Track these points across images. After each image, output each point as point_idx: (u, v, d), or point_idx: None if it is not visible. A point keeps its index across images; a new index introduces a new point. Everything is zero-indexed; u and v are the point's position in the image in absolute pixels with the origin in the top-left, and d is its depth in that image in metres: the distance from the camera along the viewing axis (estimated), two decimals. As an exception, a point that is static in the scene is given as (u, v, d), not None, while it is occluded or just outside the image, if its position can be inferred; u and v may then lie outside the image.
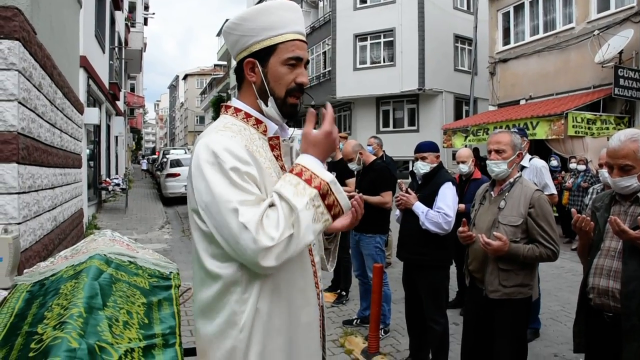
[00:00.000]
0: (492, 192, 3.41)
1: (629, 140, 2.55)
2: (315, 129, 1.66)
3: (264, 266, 1.44)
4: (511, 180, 3.30)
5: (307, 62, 1.75)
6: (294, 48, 1.67)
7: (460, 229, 3.34)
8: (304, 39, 1.73)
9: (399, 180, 4.88)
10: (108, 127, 18.74)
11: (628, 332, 2.48)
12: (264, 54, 1.67)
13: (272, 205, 1.50)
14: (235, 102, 1.76)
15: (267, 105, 1.70)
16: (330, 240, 2.00)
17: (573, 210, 2.85)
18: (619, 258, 2.57)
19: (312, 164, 1.56)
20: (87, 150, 12.29)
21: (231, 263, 1.54)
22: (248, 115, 1.71)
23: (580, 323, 2.82)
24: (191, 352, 2.01)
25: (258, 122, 1.72)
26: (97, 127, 14.66)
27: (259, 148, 1.65)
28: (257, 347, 1.57)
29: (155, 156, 42.93)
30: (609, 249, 2.64)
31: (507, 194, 3.26)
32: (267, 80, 1.68)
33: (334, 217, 1.54)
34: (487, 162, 3.36)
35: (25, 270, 2.86)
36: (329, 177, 1.54)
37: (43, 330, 1.62)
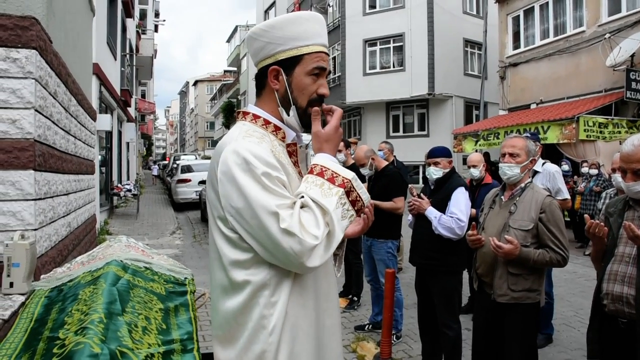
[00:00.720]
0: (502, 197, 3.41)
1: None
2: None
3: (309, 267, 1.48)
4: (522, 185, 3.31)
5: (329, 72, 1.79)
6: (319, 59, 1.70)
7: (470, 232, 3.35)
8: (327, 51, 1.77)
9: (410, 186, 4.88)
10: (119, 133, 18.86)
11: None
12: (290, 63, 1.69)
13: (302, 206, 1.53)
14: (252, 109, 1.78)
15: (288, 115, 1.72)
16: (338, 246, 2.01)
17: (586, 215, 2.84)
18: (633, 264, 2.56)
19: (329, 162, 1.62)
20: (99, 157, 12.38)
21: (260, 268, 1.56)
22: (267, 122, 1.73)
23: (595, 329, 2.81)
24: (209, 357, 2.03)
25: (277, 128, 1.74)
26: (109, 134, 14.76)
27: (280, 154, 1.68)
28: (286, 351, 1.58)
29: (166, 162, 43.17)
30: (623, 255, 2.63)
31: (518, 198, 3.27)
32: (290, 89, 1.70)
33: (357, 212, 1.59)
34: (500, 164, 3.37)
35: (42, 276, 2.90)
36: (350, 174, 1.59)
37: (65, 335, 1.65)
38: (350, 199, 1.56)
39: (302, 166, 1.80)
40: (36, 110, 4.09)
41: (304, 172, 1.79)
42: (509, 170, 3.29)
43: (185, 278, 2.88)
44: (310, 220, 1.49)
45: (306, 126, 1.75)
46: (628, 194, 2.67)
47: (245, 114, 1.78)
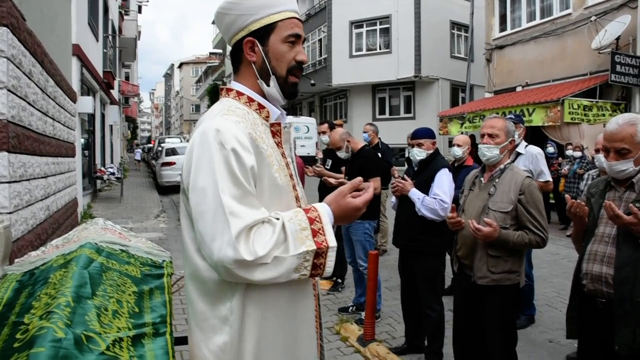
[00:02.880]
0: (482, 178, 3.39)
1: (627, 124, 2.52)
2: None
3: (236, 274, 1.42)
4: (501, 166, 3.28)
5: (304, 40, 1.74)
6: (293, 25, 1.66)
7: (449, 214, 3.33)
8: (299, 17, 1.71)
9: (392, 168, 4.85)
10: (103, 116, 18.63)
11: (620, 318, 2.47)
12: (264, 33, 1.64)
13: (270, 221, 1.48)
14: (236, 85, 1.72)
15: (268, 85, 1.67)
16: None
17: (567, 195, 2.82)
18: (612, 244, 2.56)
19: (327, 219, 1.54)
20: (82, 140, 12.22)
21: None
22: (251, 100, 1.68)
23: (574, 309, 2.81)
24: (182, 341, 1.99)
25: (261, 107, 1.69)
26: (92, 116, 14.57)
27: (261, 134, 1.61)
28: (252, 341, 1.55)
29: (151, 145, 42.85)
30: (603, 235, 2.62)
31: (497, 180, 3.24)
32: (268, 59, 1.65)
33: (312, 276, 1.51)
34: (479, 145, 3.33)
35: (16, 260, 2.83)
36: (332, 242, 1.51)
37: (29, 320, 1.59)
38: (315, 260, 1.49)
39: (286, 147, 1.75)
40: (9, 90, 3.97)
41: (288, 153, 1.75)
42: (487, 151, 3.26)
43: (163, 261, 2.81)
44: (262, 237, 1.44)
45: (288, 96, 1.71)
46: (610, 173, 2.65)
47: (229, 90, 1.72)
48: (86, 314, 1.65)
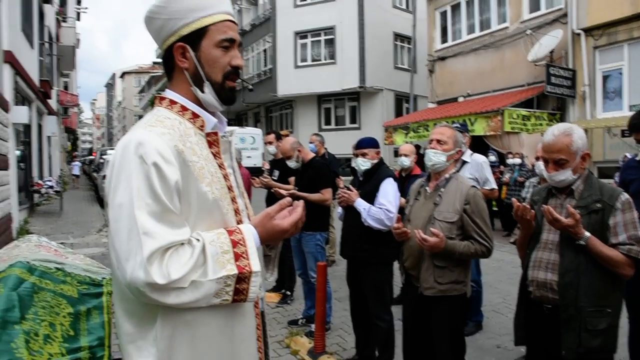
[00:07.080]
0: (427, 188, 3.36)
1: (562, 135, 2.59)
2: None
3: (149, 297, 1.35)
4: (447, 175, 3.28)
5: (240, 44, 1.65)
6: (226, 29, 1.58)
7: (395, 225, 3.30)
8: (233, 19, 1.63)
9: (338, 178, 4.83)
10: (40, 126, 17.92)
11: (566, 322, 2.53)
12: (195, 37, 1.56)
13: (190, 243, 1.41)
14: (169, 94, 1.63)
15: (203, 92, 1.59)
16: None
17: (514, 199, 2.86)
18: (556, 250, 2.61)
19: (252, 242, 1.49)
20: (17, 152, 11.68)
21: None
22: (184, 109, 1.60)
23: (521, 316, 2.85)
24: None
25: (195, 116, 1.60)
26: (28, 127, 13.97)
27: (193, 145, 1.53)
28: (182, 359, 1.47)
29: (92, 157, 41.52)
30: (547, 242, 2.68)
31: (442, 189, 3.23)
32: (201, 65, 1.57)
33: (235, 301, 1.46)
34: (427, 150, 3.32)
35: (-62, 282, 2.62)
36: (256, 266, 1.46)
37: (-52, 350, 1.46)
38: (237, 285, 1.43)
39: (226, 157, 1.66)
40: None
41: (228, 164, 1.67)
42: (434, 156, 3.26)
43: (103, 278, 2.67)
44: (179, 258, 1.37)
45: (225, 101, 1.62)
46: (551, 183, 2.72)
47: (162, 99, 1.63)
48: (12, 341, 1.53)
